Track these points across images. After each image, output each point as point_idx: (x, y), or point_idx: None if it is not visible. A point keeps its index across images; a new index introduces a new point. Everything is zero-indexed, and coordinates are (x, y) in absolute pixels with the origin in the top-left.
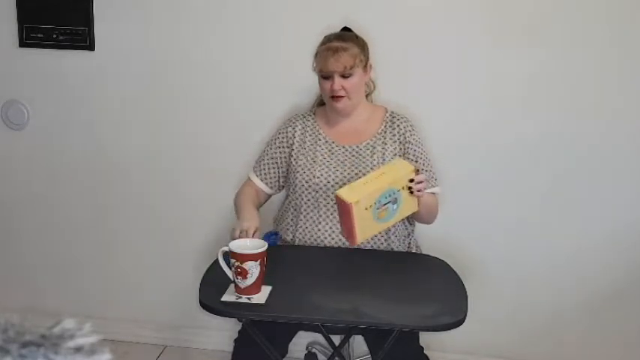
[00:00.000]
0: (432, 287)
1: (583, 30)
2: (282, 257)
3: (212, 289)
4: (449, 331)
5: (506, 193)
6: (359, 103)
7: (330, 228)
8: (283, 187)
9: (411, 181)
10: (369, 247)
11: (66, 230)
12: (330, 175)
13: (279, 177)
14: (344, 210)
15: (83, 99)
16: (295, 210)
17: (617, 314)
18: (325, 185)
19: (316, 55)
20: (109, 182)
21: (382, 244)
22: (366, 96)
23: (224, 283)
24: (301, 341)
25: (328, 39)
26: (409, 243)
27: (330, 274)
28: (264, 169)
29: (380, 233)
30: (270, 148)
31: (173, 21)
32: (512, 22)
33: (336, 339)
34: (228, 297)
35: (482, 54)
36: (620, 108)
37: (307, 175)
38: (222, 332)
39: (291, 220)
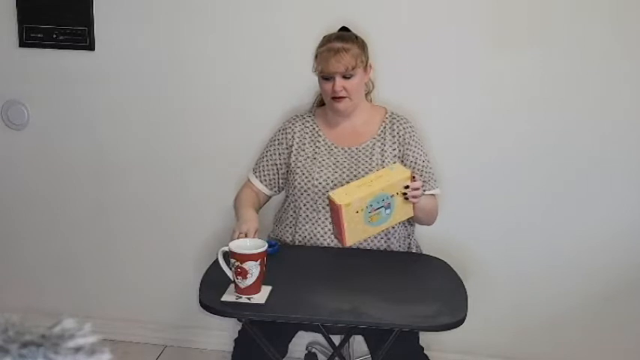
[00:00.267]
0: (432, 287)
1: (583, 30)
2: (282, 257)
3: (212, 289)
4: (449, 331)
5: (506, 193)
6: (359, 103)
7: (330, 229)
8: (283, 188)
9: (407, 187)
10: (369, 247)
11: (66, 230)
12: (329, 177)
13: (278, 178)
14: (335, 211)
15: (83, 99)
16: (295, 211)
17: (617, 314)
18: (324, 187)
19: (316, 56)
20: (108, 182)
21: (382, 245)
22: (365, 95)
23: (224, 283)
24: (301, 341)
25: (328, 39)
26: (409, 243)
27: (330, 274)
28: (263, 170)
29: (379, 234)
30: (269, 150)
31: (173, 21)
32: (512, 22)
33: (336, 339)
34: (228, 297)
35: (482, 54)
36: (621, 108)
37: (306, 177)
38: (222, 332)
39: (291, 221)
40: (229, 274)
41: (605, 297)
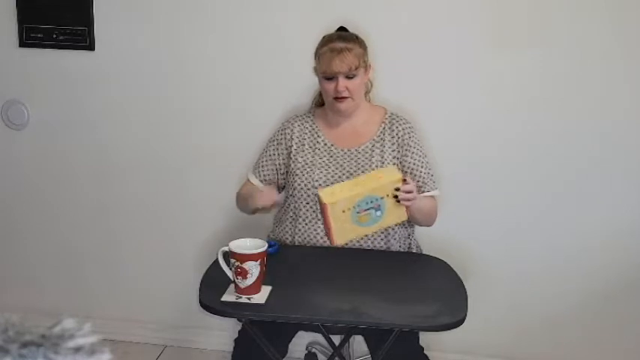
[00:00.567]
0: (432, 287)
1: (583, 30)
2: (282, 257)
3: (212, 289)
4: (449, 331)
5: (506, 193)
6: (360, 103)
7: None
8: (283, 188)
9: (398, 189)
10: (369, 247)
11: (66, 230)
12: (328, 178)
13: (277, 178)
14: (323, 210)
15: (83, 99)
16: (294, 211)
17: (617, 314)
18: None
19: (317, 56)
20: (109, 182)
21: (382, 245)
22: (364, 95)
23: (224, 283)
24: (301, 341)
25: (329, 39)
26: (409, 243)
27: (330, 274)
28: (262, 170)
29: (379, 234)
30: (268, 149)
31: (173, 21)
32: (512, 22)
33: (336, 339)
34: (228, 297)
35: (482, 54)
36: (621, 108)
37: (306, 178)
38: (222, 332)
39: (291, 221)
40: (229, 274)
41: (605, 296)
